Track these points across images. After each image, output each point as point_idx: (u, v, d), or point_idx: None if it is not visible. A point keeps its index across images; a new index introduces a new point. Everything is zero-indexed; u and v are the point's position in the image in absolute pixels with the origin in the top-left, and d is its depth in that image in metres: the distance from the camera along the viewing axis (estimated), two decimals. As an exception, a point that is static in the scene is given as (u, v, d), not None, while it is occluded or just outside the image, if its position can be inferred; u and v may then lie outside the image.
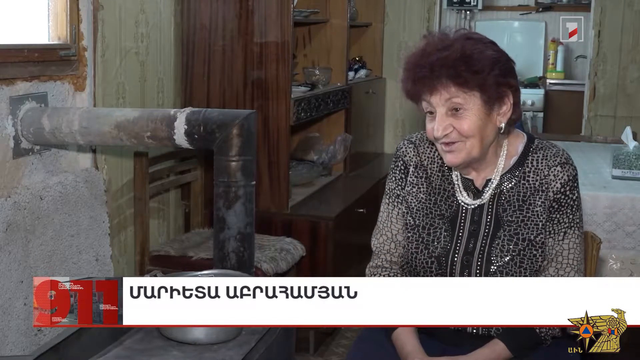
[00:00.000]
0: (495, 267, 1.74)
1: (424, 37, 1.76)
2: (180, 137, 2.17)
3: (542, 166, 1.77)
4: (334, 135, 4.03)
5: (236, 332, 1.74)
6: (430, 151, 1.86)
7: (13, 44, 2.26)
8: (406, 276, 1.87)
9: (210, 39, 3.30)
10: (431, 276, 1.79)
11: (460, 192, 1.81)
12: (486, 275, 1.74)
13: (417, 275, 1.82)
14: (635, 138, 3.24)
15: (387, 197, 1.90)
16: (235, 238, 2.15)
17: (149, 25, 3.03)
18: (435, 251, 1.79)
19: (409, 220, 1.84)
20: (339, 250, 3.37)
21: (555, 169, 1.76)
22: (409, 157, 1.87)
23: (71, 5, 2.47)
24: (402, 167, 1.87)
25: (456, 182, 1.82)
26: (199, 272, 1.82)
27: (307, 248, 3.22)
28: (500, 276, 1.73)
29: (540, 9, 6.38)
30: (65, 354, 1.78)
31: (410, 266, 1.83)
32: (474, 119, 1.69)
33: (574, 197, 1.77)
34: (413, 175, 1.85)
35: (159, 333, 1.74)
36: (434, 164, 1.85)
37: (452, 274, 1.77)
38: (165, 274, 1.81)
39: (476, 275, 1.75)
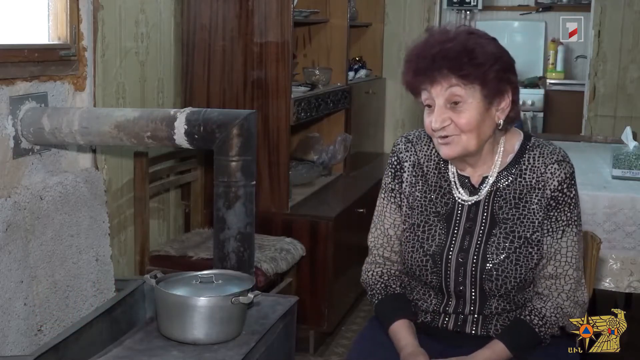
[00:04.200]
0: (490, 265, 1.74)
1: (426, 30, 1.77)
2: (180, 137, 2.17)
3: (538, 164, 1.77)
4: (334, 135, 4.03)
5: (236, 332, 1.74)
6: (427, 149, 1.86)
7: (13, 44, 2.25)
8: (403, 276, 1.88)
9: (210, 39, 3.30)
10: (427, 275, 1.79)
11: (457, 188, 1.82)
12: (482, 273, 1.74)
13: (414, 274, 1.82)
14: (635, 138, 3.23)
15: (382, 191, 1.91)
16: (235, 238, 2.15)
17: (149, 25, 3.03)
18: (430, 249, 1.79)
19: (407, 220, 1.84)
20: (339, 250, 3.37)
21: (552, 167, 1.76)
22: (406, 155, 1.87)
23: (71, 5, 2.47)
24: (396, 163, 1.88)
25: (452, 179, 1.82)
26: (199, 272, 1.82)
27: (307, 248, 3.22)
28: (497, 274, 1.74)
29: (540, 9, 6.38)
30: (65, 354, 1.78)
31: (407, 266, 1.84)
32: (472, 113, 1.69)
33: (572, 195, 1.77)
34: (411, 174, 1.85)
35: (159, 333, 1.75)
36: (430, 162, 1.86)
37: (447, 272, 1.77)
38: (165, 274, 1.81)
39: (472, 273, 1.75)
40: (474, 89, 1.68)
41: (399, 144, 1.89)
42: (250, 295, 1.70)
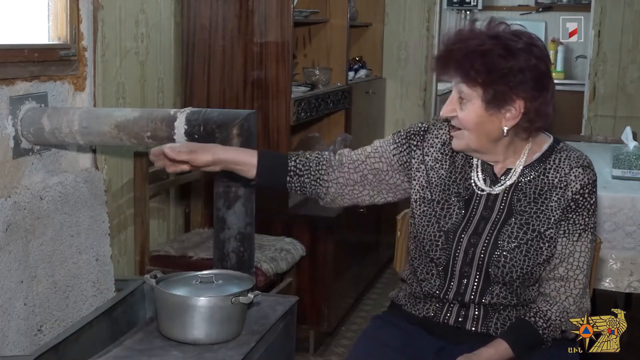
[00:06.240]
0: (499, 252, 1.77)
1: (472, 21, 1.82)
2: (180, 137, 2.17)
3: (563, 165, 1.80)
4: (334, 135, 4.03)
5: (236, 332, 1.74)
6: None
7: (13, 44, 2.25)
8: (413, 251, 1.90)
9: (210, 39, 3.30)
10: (436, 250, 1.81)
11: (477, 176, 1.84)
12: (490, 257, 1.76)
13: (423, 248, 1.84)
14: (635, 138, 3.24)
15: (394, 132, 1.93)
16: (235, 238, 2.15)
17: (149, 25, 3.03)
18: (445, 226, 1.82)
19: (426, 194, 1.86)
20: (339, 250, 3.37)
21: (577, 170, 1.79)
22: (439, 132, 1.87)
23: (71, 5, 2.47)
24: (423, 129, 1.89)
25: (475, 166, 1.85)
26: (199, 272, 1.82)
27: (307, 248, 3.22)
28: (504, 261, 1.76)
29: (540, 9, 6.39)
30: (65, 354, 1.78)
31: (418, 240, 1.86)
32: (471, 114, 1.73)
33: (592, 202, 1.79)
34: (439, 151, 1.87)
35: (159, 333, 1.75)
36: None
37: (456, 251, 1.79)
38: (165, 274, 1.81)
39: (480, 256, 1.77)
40: (476, 92, 1.72)
41: (436, 119, 1.91)
42: (250, 295, 1.70)
